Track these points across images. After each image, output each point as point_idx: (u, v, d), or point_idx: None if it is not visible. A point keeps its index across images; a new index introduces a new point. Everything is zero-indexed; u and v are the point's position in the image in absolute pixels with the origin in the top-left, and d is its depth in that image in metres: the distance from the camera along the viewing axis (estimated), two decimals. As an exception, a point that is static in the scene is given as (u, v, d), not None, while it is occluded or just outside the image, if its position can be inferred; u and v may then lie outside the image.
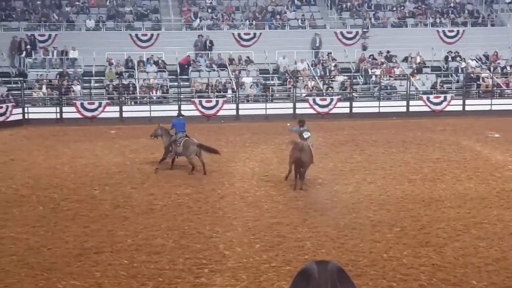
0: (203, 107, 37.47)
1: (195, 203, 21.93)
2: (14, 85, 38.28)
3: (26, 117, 35.87)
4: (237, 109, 37.61)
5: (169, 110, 37.17)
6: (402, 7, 46.65)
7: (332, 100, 38.48)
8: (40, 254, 17.55)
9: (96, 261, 17.12)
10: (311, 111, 37.84)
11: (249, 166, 26.89)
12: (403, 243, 17.99)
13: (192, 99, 37.89)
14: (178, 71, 40.47)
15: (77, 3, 44.13)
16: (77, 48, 40.47)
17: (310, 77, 40.43)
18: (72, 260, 17.15)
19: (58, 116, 36.33)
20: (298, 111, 37.55)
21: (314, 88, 39.61)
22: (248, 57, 41.66)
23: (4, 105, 35.34)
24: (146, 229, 19.40)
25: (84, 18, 42.95)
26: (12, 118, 35.32)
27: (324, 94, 39.24)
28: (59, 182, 24.14)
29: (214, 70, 40.68)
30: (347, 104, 38.62)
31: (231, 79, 39.53)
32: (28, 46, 40.39)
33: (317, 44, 43.22)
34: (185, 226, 19.71)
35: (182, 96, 38.32)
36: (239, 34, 43.18)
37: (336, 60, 42.22)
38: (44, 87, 37.65)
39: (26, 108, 36.06)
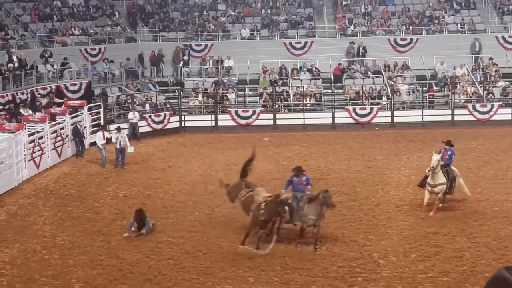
0: (357, 114, 36.97)
1: (348, 211, 21.60)
2: (171, 94, 39.30)
3: (182, 124, 36.70)
4: (392, 116, 36.81)
5: (322, 117, 37.01)
6: None
7: (493, 106, 36.94)
8: (196, 259, 17.81)
9: (249, 266, 17.16)
10: (471, 117, 36.51)
11: (404, 174, 26.23)
12: None
13: (346, 107, 37.46)
14: (332, 78, 40.19)
15: (232, 13, 44.84)
16: (232, 57, 41.05)
17: (469, 83, 39.00)
18: (226, 265, 17.28)
19: (213, 124, 36.93)
20: (456, 118, 36.33)
21: (474, 94, 38.18)
22: (405, 62, 40.74)
23: (162, 114, 36.36)
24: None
25: (239, 27, 43.53)
26: (169, 126, 36.24)
27: (485, 100, 37.74)
28: (213, 188, 24.28)
29: (368, 77, 40.08)
30: (509, 110, 36.92)
31: (386, 86, 38.79)
32: (186, 56, 41.42)
33: (477, 49, 41.67)
34: (339, 233, 19.43)
35: (336, 104, 37.94)
36: (395, 40, 42.33)
37: (497, 65, 40.51)
38: (200, 95, 38.44)
39: (183, 116, 36.91)
